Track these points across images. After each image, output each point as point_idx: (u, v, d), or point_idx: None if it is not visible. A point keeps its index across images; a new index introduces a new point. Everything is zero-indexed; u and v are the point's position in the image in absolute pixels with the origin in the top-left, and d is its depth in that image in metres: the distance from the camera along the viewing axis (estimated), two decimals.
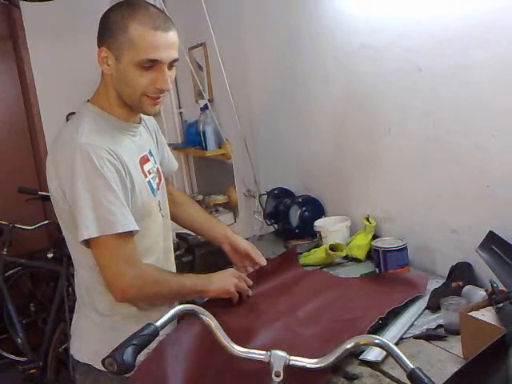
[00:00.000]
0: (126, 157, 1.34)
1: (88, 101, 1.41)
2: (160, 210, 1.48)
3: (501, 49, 1.41)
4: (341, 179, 2.16)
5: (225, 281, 1.49)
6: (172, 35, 1.31)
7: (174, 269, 1.59)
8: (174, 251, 1.97)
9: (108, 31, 1.30)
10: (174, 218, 1.75)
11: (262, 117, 2.62)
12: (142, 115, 1.47)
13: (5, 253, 3.32)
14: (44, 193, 3.44)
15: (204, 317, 1.09)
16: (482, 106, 1.49)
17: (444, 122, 1.63)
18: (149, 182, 1.43)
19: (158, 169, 1.51)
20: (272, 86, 2.49)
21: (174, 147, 3.50)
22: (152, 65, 1.29)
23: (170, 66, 1.33)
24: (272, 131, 2.56)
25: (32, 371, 2.99)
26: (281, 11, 2.31)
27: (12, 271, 3.50)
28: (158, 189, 1.48)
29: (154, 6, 1.35)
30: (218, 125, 2.85)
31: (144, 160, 1.44)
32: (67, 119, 2.79)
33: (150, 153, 1.49)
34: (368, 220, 1.94)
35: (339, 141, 2.13)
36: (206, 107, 2.92)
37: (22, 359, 3.33)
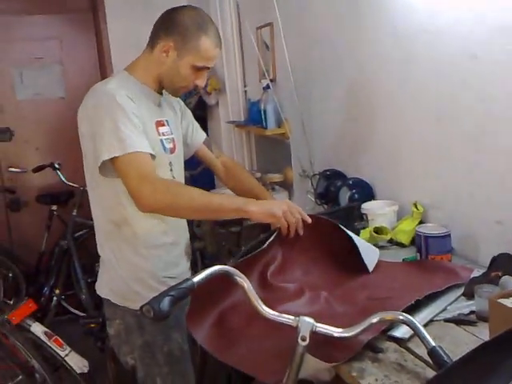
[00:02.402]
0: (145, 113, 1.57)
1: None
2: (171, 170, 1.67)
3: None
4: (392, 164, 2.18)
5: (273, 205, 1.45)
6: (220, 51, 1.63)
7: (185, 231, 1.79)
8: (224, 222, 2.10)
9: (180, 32, 1.56)
10: (231, 188, 1.95)
11: (320, 98, 2.65)
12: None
13: (74, 214, 3.56)
14: None
15: (238, 278, 1.17)
16: None
17: (496, 112, 1.62)
18: (161, 140, 1.64)
19: (173, 139, 1.70)
20: (330, 68, 2.52)
21: (237, 124, 3.60)
22: (202, 69, 1.60)
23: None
24: (328, 113, 2.60)
25: (92, 326, 3.20)
26: None
27: (81, 232, 3.74)
28: (171, 152, 1.68)
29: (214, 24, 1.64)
30: (279, 104, 2.91)
31: (160, 123, 1.65)
32: None
33: (167, 122, 1.69)
34: (416, 206, 1.96)
35: (392, 125, 2.14)
36: (267, 87, 2.98)
37: (84, 315, 3.59)
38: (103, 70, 4.06)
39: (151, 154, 1.51)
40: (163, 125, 1.66)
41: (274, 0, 2.62)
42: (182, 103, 1.88)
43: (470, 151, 1.75)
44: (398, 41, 2.03)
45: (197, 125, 1.91)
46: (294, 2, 2.73)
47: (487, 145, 1.68)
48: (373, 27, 2.17)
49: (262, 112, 3.05)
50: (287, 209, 1.44)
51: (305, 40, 2.71)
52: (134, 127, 1.49)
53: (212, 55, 1.60)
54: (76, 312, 3.78)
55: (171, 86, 1.64)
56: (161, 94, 1.68)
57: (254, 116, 3.21)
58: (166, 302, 1.01)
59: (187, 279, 1.09)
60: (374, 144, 2.29)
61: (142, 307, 1.02)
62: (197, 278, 1.10)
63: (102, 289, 1.72)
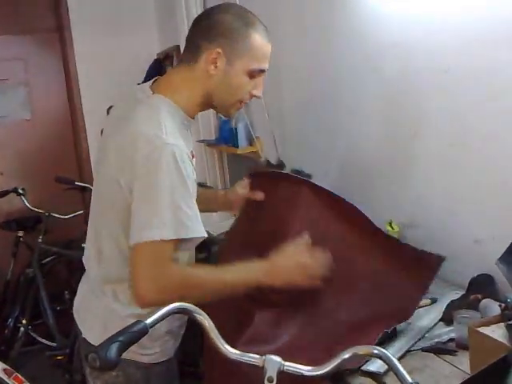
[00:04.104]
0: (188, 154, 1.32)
1: (153, 90, 1.35)
2: None
3: None
4: (365, 182, 2.11)
5: (290, 273, 1.34)
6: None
7: None
8: None
9: (225, 34, 1.30)
10: None
11: (292, 115, 2.59)
12: None
13: (40, 240, 3.41)
14: (81, 184, 3.52)
15: (198, 316, 1.07)
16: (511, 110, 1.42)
17: (471, 126, 1.56)
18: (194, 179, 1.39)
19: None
20: (302, 84, 2.46)
21: (208, 143, 3.51)
22: (258, 74, 1.34)
23: None
24: (301, 129, 2.53)
25: (59, 357, 3.05)
26: (314, 8, 2.28)
27: (48, 259, 3.58)
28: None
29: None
30: (249, 123, 2.84)
31: (192, 155, 1.39)
32: (107, 113, 2.81)
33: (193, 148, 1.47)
34: (391, 225, 1.89)
35: (365, 142, 2.08)
36: None
37: (53, 344, 3.42)
38: (70, 91, 3.96)
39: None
40: (194, 156, 1.40)
41: None
42: None
43: (445, 168, 1.69)
44: (367, 55, 1.97)
45: None
46: (260, 16, 2.66)
47: (463, 161, 1.61)
48: (342, 41, 2.11)
49: (234, 130, 2.97)
50: (306, 271, 1.35)
51: (274, 56, 2.63)
52: (193, 203, 1.27)
53: (266, 54, 1.34)
54: (45, 342, 3.60)
55: (223, 104, 1.37)
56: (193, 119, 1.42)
57: (226, 135, 3.13)
58: (113, 350, 0.90)
59: (139, 321, 0.98)
60: (346, 159, 2.22)
61: (86, 356, 0.91)
62: (150, 320, 0.99)
63: (96, 334, 1.35)
